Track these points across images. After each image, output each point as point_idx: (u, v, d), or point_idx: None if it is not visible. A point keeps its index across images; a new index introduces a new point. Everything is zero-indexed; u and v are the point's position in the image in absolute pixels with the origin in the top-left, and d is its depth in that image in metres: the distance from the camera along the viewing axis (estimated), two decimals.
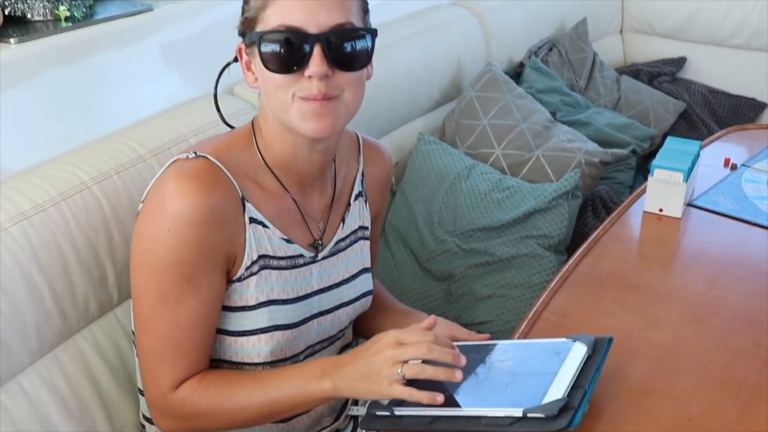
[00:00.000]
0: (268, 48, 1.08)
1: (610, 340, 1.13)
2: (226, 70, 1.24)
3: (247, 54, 1.15)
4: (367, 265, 1.36)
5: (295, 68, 1.08)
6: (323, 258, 1.26)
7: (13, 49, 1.38)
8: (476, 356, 1.14)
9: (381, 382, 1.05)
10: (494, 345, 1.19)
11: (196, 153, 1.13)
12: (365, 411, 1.12)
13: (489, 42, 2.61)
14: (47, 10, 1.48)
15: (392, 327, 1.36)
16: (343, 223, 1.30)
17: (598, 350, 1.11)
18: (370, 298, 1.36)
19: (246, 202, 1.15)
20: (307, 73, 1.08)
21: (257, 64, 1.12)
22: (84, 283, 1.30)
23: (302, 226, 1.23)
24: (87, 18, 1.53)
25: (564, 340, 1.14)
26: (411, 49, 2.26)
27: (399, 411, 1.07)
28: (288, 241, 1.20)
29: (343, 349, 1.40)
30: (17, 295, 1.19)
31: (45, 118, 1.41)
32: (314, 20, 1.07)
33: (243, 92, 1.73)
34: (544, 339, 1.18)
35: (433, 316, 1.28)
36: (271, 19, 1.08)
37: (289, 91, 1.10)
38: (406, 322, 1.34)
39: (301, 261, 1.23)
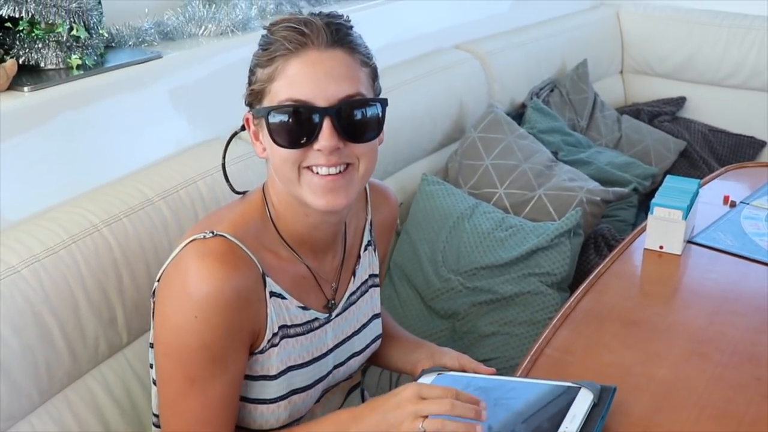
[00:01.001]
0: (276, 121, 1.07)
1: (614, 390, 1.14)
2: (229, 134, 1.24)
3: (254, 125, 1.14)
4: (377, 311, 1.36)
5: (304, 141, 1.07)
6: (337, 315, 1.26)
7: (27, 97, 1.41)
8: (482, 390, 1.15)
9: None
10: (500, 381, 1.20)
11: (213, 232, 1.10)
12: None
13: (491, 84, 2.66)
14: (59, 59, 1.52)
15: (403, 357, 1.37)
16: (354, 276, 1.29)
17: (603, 399, 1.12)
18: (379, 342, 1.37)
19: (266, 277, 1.13)
20: (316, 146, 1.07)
21: (265, 135, 1.11)
22: (94, 324, 1.32)
23: (316, 291, 1.22)
24: (98, 66, 1.56)
25: (570, 384, 1.15)
26: (414, 92, 2.30)
27: None
28: (304, 308, 1.20)
29: (350, 391, 1.40)
30: (28, 336, 1.21)
31: (57, 163, 1.44)
32: (323, 93, 1.06)
33: (248, 136, 1.76)
34: (551, 381, 1.18)
35: (449, 351, 1.29)
36: (279, 92, 1.08)
37: (295, 164, 1.09)
38: (416, 352, 1.35)
39: (316, 324, 1.22)
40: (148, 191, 1.46)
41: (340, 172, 1.10)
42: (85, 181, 1.48)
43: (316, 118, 1.06)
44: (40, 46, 1.50)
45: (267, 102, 1.10)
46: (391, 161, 2.21)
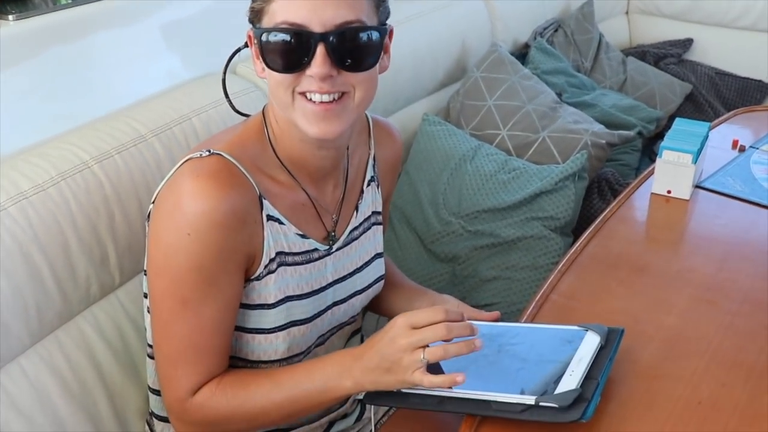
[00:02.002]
0: (270, 45, 1.04)
1: (622, 331, 1.12)
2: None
3: (255, 44, 1.10)
4: (380, 250, 1.33)
5: (297, 68, 1.04)
6: (338, 249, 1.23)
7: (12, 26, 1.36)
8: (486, 337, 1.12)
9: (404, 371, 1.02)
10: (505, 327, 1.17)
11: (210, 151, 1.08)
12: None
13: (494, 23, 2.60)
14: None
15: (404, 305, 1.36)
16: (357, 210, 1.27)
17: (610, 341, 1.09)
18: (382, 282, 1.35)
19: (263, 200, 1.11)
20: (308, 72, 1.04)
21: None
22: (85, 264, 1.28)
23: (316, 220, 1.20)
24: None
25: (576, 328, 1.12)
26: (415, 30, 2.24)
27: (406, 389, 1.05)
28: (303, 236, 1.17)
29: (352, 335, 1.38)
30: (17, 276, 1.17)
31: (43, 96, 1.40)
32: (319, 18, 1.02)
33: (246, 72, 1.71)
34: (556, 325, 1.16)
35: (450, 299, 1.26)
36: (276, 13, 1.04)
37: (290, 88, 1.06)
38: (418, 300, 1.33)
39: (315, 255, 1.20)
40: (141, 128, 1.41)
41: (334, 100, 1.06)
42: (73, 116, 1.43)
43: (309, 43, 1.03)
44: None
45: (265, 22, 1.06)
46: (392, 100, 2.16)
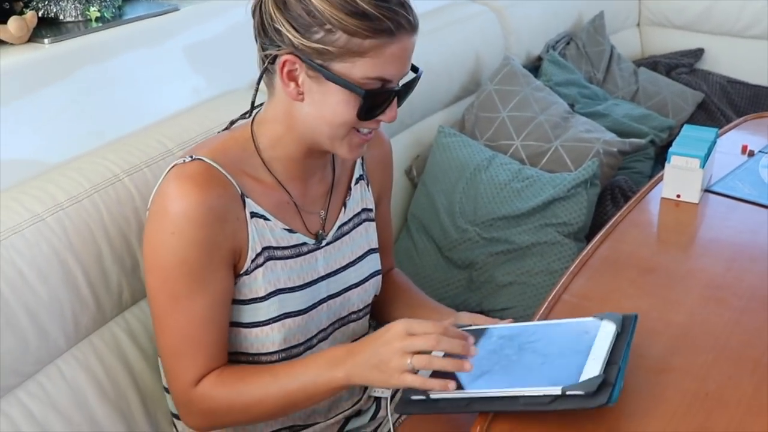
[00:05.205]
0: (366, 99, 1.12)
1: (636, 317, 1.15)
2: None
3: (308, 75, 1.12)
4: (374, 245, 1.39)
5: (376, 115, 1.15)
6: (327, 243, 1.30)
7: (47, 49, 1.43)
8: (505, 338, 1.16)
9: (391, 372, 1.07)
10: (522, 327, 1.20)
11: (192, 157, 1.16)
12: (400, 395, 1.14)
13: (507, 37, 2.64)
14: (78, 12, 1.53)
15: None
16: (345, 207, 1.34)
17: (626, 327, 1.13)
18: (379, 278, 1.39)
19: (246, 198, 1.18)
20: (380, 118, 1.16)
21: (325, 94, 1.12)
22: (117, 271, 1.35)
23: (302, 218, 1.27)
24: (116, 18, 1.58)
25: (591, 319, 1.16)
26: (430, 45, 2.28)
27: (434, 395, 1.08)
28: (290, 231, 1.24)
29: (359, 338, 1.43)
30: (54, 282, 1.24)
31: (78, 114, 1.46)
32: (402, 75, 1.15)
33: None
34: (571, 319, 1.19)
35: (451, 315, 1.31)
36: (365, 68, 1.10)
37: (351, 127, 1.15)
38: (432, 317, 1.36)
39: (305, 249, 1.26)
40: (168, 142, 1.48)
41: None
42: (104, 132, 1.50)
43: (392, 96, 1.15)
44: None
45: (343, 68, 1.10)
46: (408, 114, 2.21)
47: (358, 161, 1.37)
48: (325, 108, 1.14)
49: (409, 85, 1.18)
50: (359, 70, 1.10)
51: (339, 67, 1.10)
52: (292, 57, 1.12)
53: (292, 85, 1.14)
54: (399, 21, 1.10)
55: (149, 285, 1.19)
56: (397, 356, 1.06)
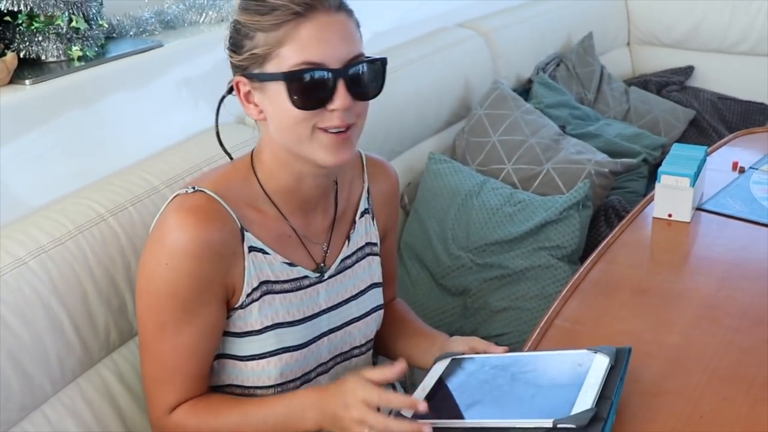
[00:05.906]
0: (294, 85, 1.10)
1: (630, 350, 1.14)
2: (224, 103, 1.27)
3: (253, 88, 1.16)
4: (377, 280, 1.37)
5: (321, 104, 1.11)
6: (330, 276, 1.29)
7: (29, 90, 1.42)
8: (498, 368, 1.15)
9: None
10: (515, 357, 1.19)
11: (194, 188, 1.17)
12: None
13: (496, 60, 2.65)
14: (60, 51, 1.52)
15: (419, 355, 1.36)
16: (349, 240, 1.32)
17: (619, 361, 1.12)
18: (381, 312, 1.38)
19: (245, 232, 1.18)
20: (331, 107, 1.12)
21: (271, 99, 1.14)
22: (104, 312, 1.33)
23: (304, 249, 1.26)
24: (99, 57, 1.57)
25: (585, 351, 1.15)
26: (419, 71, 2.29)
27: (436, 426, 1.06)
28: (290, 264, 1.23)
29: None
30: (38, 327, 1.22)
31: (61, 155, 1.45)
32: (335, 55, 1.11)
33: (254, 122, 1.77)
34: (565, 350, 1.19)
35: (458, 340, 1.29)
36: (290, 56, 1.10)
37: (309, 124, 1.13)
38: (430, 350, 1.33)
39: (306, 282, 1.25)
40: (153, 179, 1.47)
41: (347, 129, 1.15)
42: (90, 173, 1.48)
43: (331, 80, 1.11)
44: (40, 38, 1.50)
45: (274, 66, 1.12)
46: (398, 141, 2.21)
47: (364, 195, 1.35)
48: (276, 113, 1.15)
49: (356, 66, 1.12)
50: (285, 61, 1.11)
51: (270, 66, 1.12)
52: (238, 77, 1.17)
53: (251, 106, 1.18)
54: (307, 1, 1.10)
55: (139, 310, 1.20)
56: (355, 425, 1.08)
